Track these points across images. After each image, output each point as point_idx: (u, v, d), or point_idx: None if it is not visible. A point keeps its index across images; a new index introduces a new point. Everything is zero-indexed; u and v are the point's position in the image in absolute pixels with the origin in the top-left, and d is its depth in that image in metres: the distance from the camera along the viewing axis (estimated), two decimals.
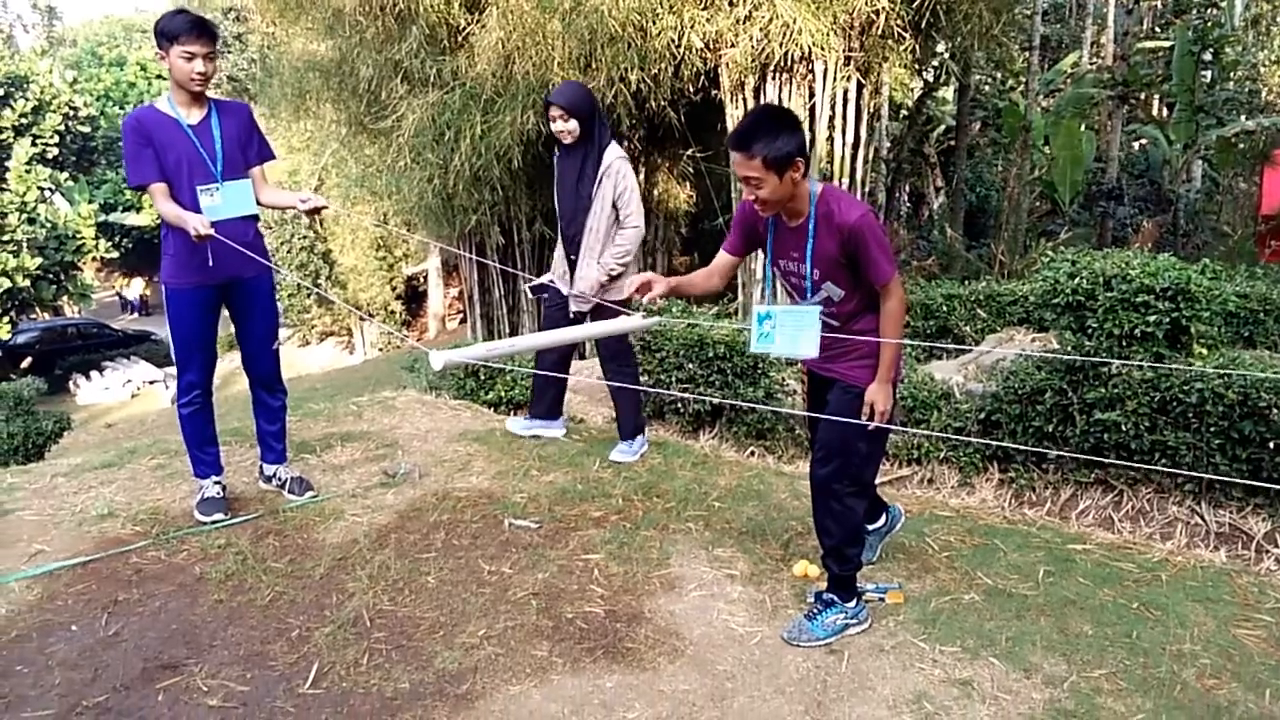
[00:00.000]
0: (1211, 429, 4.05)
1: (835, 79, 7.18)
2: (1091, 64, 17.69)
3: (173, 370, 3.77)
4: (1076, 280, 4.32)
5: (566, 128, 4.17)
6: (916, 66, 10.46)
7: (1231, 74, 16.80)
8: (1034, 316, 6.56)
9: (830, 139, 7.42)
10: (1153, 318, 4.14)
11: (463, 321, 21.54)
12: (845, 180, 7.54)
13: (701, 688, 2.66)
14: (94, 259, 24.93)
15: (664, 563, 3.41)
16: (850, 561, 2.91)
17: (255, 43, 18.38)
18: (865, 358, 2.80)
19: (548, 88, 7.07)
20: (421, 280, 24.19)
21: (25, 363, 22.26)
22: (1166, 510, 4.31)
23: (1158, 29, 18.86)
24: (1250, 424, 3.94)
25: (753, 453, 5.37)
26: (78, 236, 22.34)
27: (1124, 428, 4.24)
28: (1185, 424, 4.14)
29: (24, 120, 24.18)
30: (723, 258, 3.04)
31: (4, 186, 21.04)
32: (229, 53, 20.85)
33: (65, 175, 25.11)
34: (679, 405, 5.63)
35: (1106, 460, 4.15)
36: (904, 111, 15.62)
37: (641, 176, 10.08)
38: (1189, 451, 4.14)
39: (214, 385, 3.84)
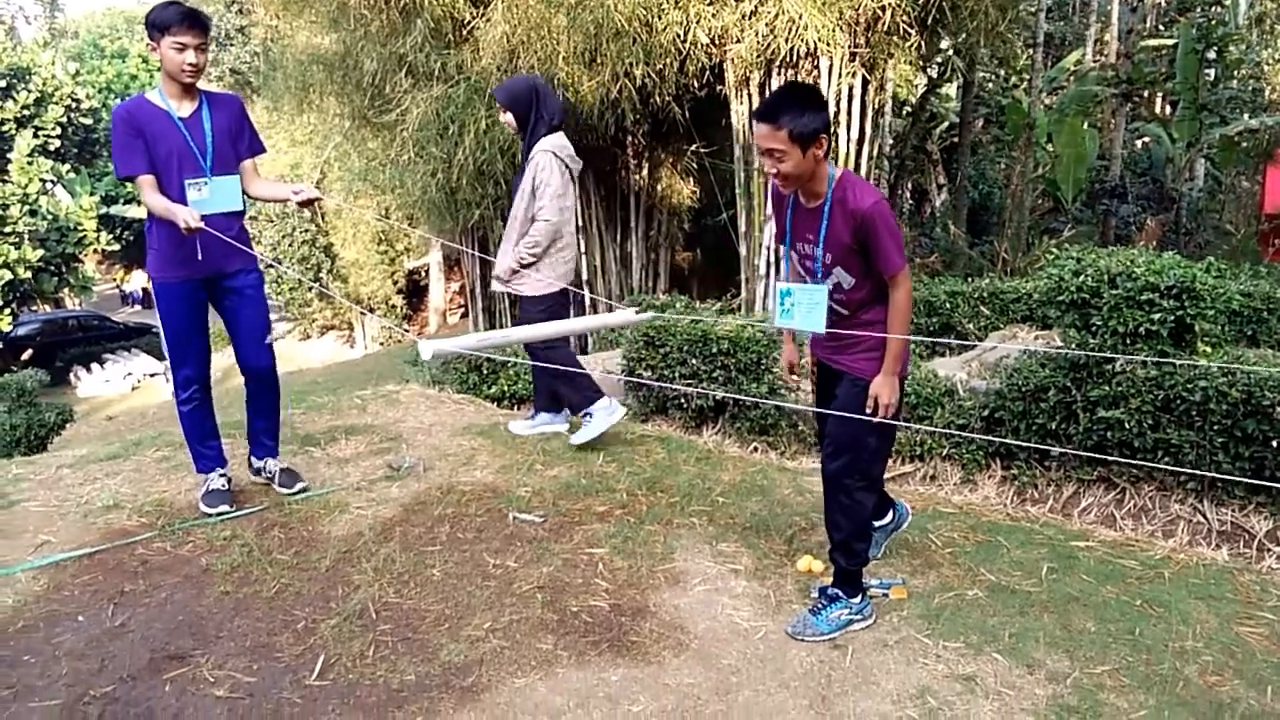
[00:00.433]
0: (1215, 427, 4.06)
1: (840, 75, 7.19)
2: (1095, 61, 17.68)
3: None
4: (1082, 278, 4.32)
5: (505, 120, 4.40)
6: (921, 63, 10.46)
7: (1235, 72, 16.76)
8: (1037, 314, 6.57)
9: (835, 135, 7.42)
10: (1157, 315, 4.14)
11: (464, 316, 21.58)
12: None
13: (706, 681, 2.67)
14: (95, 251, 24.93)
15: (668, 557, 3.42)
16: (858, 556, 2.92)
17: (258, 36, 18.35)
18: (874, 350, 2.81)
19: (553, 82, 7.07)
20: (423, 274, 24.21)
21: (26, 354, 22.29)
22: (1169, 508, 4.31)
23: (1161, 27, 18.82)
24: (1254, 422, 3.95)
25: (756, 448, 5.37)
26: (79, 229, 22.35)
27: (1127, 425, 4.25)
28: (1189, 422, 4.14)
29: (26, 112, 24.21)
30: (784, 250, 3.11)
31: (6, 178, 21.04)
32: (231, 45, 20.83)
33: (67, 167, 25.10)
34: (682, 401, 5.64)
35: (1110, 458, 4.16)
36: (907, 108, 15.61)
37: (644, 172, 10.10)
38: (1192, 450, 4.15)
39: (212, 378, 3.81)
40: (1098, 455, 4.31)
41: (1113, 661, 2.76)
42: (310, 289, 22.25)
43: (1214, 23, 14.37)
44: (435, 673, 2.69)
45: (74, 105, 26.56)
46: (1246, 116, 14.55)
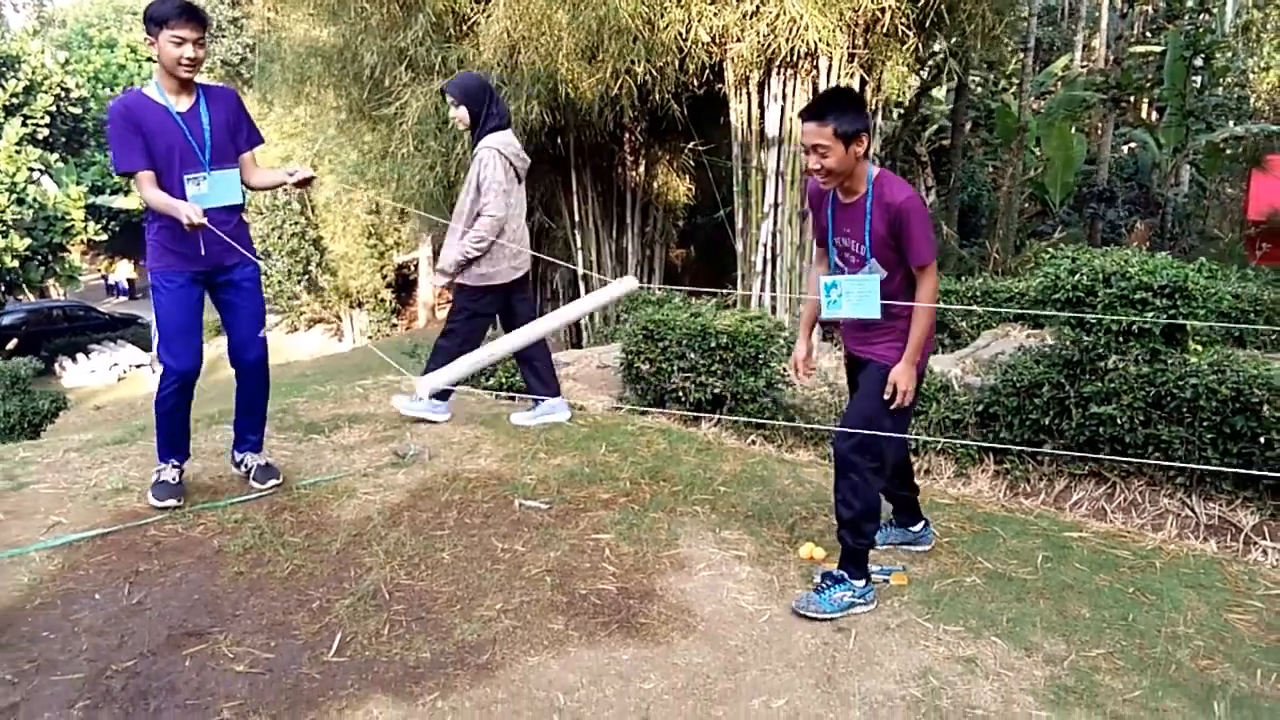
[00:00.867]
0: (1204, 423, 4.17)
1: (839, 76, 7.27)
2: (1084, 66, 17.86)
3: None
4: (1077, 276, 4.43)
5: (457, 114, 4.44)
6: (916, 66, 10.57)
7: (1221, 80, 17.00)
8: (1029, 314, 6.67)
9: None
10: (1150, 314, 4.24)
11: None
12: None
13: (714, 661, 2.74)
14: (81, 241, 24.78)
15: (673, 543, 3.49)
16: (865, 536, 3.00)
17: (253, 28, 18.30)
18: (900, 339, 2.97)
19: (554, 78, 7.13)
20: (412, 269, 24.16)
21: (11, 344, 22.12)
22: (1158, 502, 4.42)
23: (1150, 33, 19.05)
24: (1242, 419, 4.06)
25: (754, 440, 5.44)
26: (66, 218, 22.22)
27: (1119, 421, 4.35)
28: (1179, 418, 4.25)
29: (15, 100, 24.01)
30: (818, 250, 3.25)
31: None
32: (223, 37, 20.74)
33: (55, 156, 24.91)
34: (680, 393, 5.71)
35: (1101, 456, 4.26)
36: (898, 110, 15.73)
37: (641, 169, 10.16)
38: (1181, 445, 4.26)
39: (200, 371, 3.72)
40: (1088, 454, 4.42)
41: (1107, 645, 2.85)
42: (300, 281, 22.18)
43: (1201, 30, 14.58)
44: (450, 650, 2.75)
45: (63, 94, 26.37)
46: (1232, 123, 14.77)
